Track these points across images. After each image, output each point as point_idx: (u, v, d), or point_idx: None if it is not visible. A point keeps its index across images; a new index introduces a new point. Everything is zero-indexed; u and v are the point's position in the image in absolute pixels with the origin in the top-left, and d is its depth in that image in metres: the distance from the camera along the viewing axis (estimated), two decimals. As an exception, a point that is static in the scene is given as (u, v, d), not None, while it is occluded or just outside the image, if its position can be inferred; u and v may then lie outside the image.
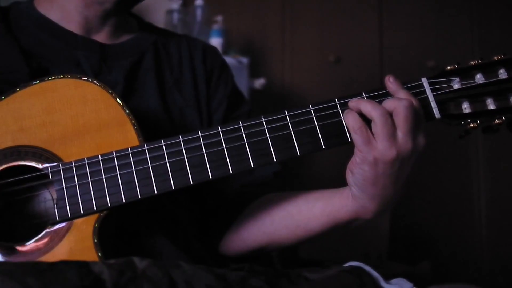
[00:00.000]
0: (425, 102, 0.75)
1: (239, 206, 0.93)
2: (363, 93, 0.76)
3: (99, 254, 0.71)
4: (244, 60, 2.24)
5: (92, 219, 0.73)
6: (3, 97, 0.78)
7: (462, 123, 0.76)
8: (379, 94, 0.76)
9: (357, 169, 0.73)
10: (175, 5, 2.26)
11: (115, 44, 0.95)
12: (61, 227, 0.73)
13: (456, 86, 0.76)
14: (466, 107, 0.76)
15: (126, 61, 0.94)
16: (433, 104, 0.76)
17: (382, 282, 0.70)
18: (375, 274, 0.71)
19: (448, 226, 2.58)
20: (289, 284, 0.65)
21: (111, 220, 0.75)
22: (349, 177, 0.76)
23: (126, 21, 1.00)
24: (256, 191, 0.94)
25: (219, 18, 2.26)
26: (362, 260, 0.75)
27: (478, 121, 0.76)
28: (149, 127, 0.79)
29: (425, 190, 2.60)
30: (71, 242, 0.72)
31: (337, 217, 0.81)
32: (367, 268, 0.72)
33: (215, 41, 2.19)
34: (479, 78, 0.76)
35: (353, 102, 0.74)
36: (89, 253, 0.71)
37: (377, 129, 0.71)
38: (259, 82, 2.33)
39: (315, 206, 0.84)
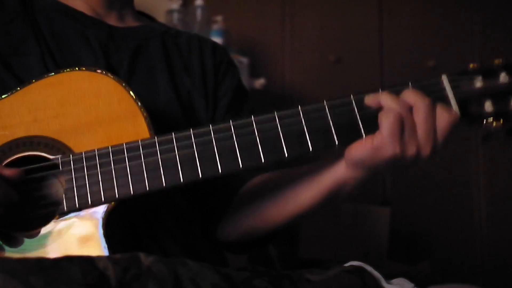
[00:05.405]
0: (445, 100, 0.73)
1: (234, 190, 0.93)
2: (379, 90, 0.74)
3: (105, 246, 0.71)
4: (244, 60, 2.24)
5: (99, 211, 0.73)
6: (18, 88, 0.79)
7: (484, 122, 0.74)
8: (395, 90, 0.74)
9: (366, 152, 0.72)
10: (175, 5, 2.26)
11: (124, 27, 0.98)
12: (68, 217, 0.73)
13: (478, 85, 0.74)
14: (488, 106, 0.73)
15: (134, 42, 0.96)
16: (453, 102, 0.73)
17: (383, 282, 0.70)
18: (376, 274, 0.71)
19: (448, 226, 2.58)
20: (292, 286, 0.65)
21: (119, 214, 0.75)
22: (351, 155, 0.74)
23: (135, 12, 1.04)
24: (251, 175, 0.94)
25: (219, 18, 2.26)
26: (362, 259, 0.75)
27: (502, 121, 0.73)
28: (159, 109, 0.80)
29: (425, 190, 2.60)
30: (78, 233, 0.73)
31: (325, 187, 0.80)
32: (368, 268, 0.72)
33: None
34: (503, 77, 0.73)
35: (370, 97, 0.73)
36: (95, 245, 0.71)
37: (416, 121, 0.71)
38: (259, 82, 2.33)
39: (303, 178, 0.83)
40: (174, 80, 0.96)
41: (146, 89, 0.90)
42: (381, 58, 2.66)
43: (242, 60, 2.23)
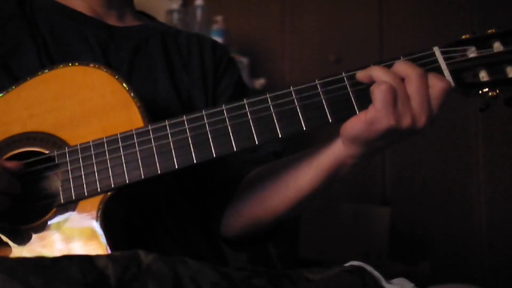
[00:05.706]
0: (438, 71, 0.72)
1: (236, 184, 0.93)
2: (371, 65, 0.74)
3: (104, 238, 0.71)
4: (244, 60, 2.25)
5: (96, 202, 0.73)
6: (13, 87, 0.80)
7: (480, 92, 0.72)
8: (386, 64, 0.74)
9: (361, 127, 0.71)
10: (175, 5, 2.26)
11: (123, 26, 0.99)
12: (66, 209, 0.73)
13: (471, 55, 0.73)
14: (483, 76, 0.72)
15: (133, 41, 0.97)
16: (447, 73, 0.72)
17: (383, 282, 0.70)
18: (376, 274, 0.71)
19: (448, 226, 2.58)
20: (291, 285, 0.65)
21: (116, 205, 0.75)
22: (346, 131, 0.73)
23: (135, 12, 1.05)
24: (250, 168, 0.94)
25: (219, 18, 2.27)
26: (362, 259, 0.74)
27: (498, 90, 0.71)
28: (159, 106, 0.80)
29: (425, 190, 2.60)
30: (76, 225, 0.73)
31: (324, 167, 0.79)
32: (368, 267, 0.72)
33: (215, 41, 2.19)
34: (497, 46, 0.72)
35: (362, 72, 0.73)
36: (94, 237, 0.71)
37: (410, 91, 0.70)
38: (259, 82, 2.33)
39: (301, 161, 0.83)
40: (174, 78, 0.96)
41: (146, 88, 0.91)
42: (381, 58, 2.66)
43: (242, 60, 2.23)
